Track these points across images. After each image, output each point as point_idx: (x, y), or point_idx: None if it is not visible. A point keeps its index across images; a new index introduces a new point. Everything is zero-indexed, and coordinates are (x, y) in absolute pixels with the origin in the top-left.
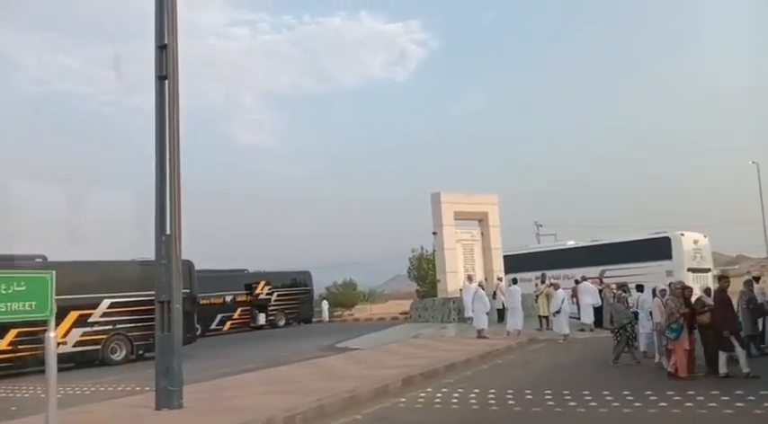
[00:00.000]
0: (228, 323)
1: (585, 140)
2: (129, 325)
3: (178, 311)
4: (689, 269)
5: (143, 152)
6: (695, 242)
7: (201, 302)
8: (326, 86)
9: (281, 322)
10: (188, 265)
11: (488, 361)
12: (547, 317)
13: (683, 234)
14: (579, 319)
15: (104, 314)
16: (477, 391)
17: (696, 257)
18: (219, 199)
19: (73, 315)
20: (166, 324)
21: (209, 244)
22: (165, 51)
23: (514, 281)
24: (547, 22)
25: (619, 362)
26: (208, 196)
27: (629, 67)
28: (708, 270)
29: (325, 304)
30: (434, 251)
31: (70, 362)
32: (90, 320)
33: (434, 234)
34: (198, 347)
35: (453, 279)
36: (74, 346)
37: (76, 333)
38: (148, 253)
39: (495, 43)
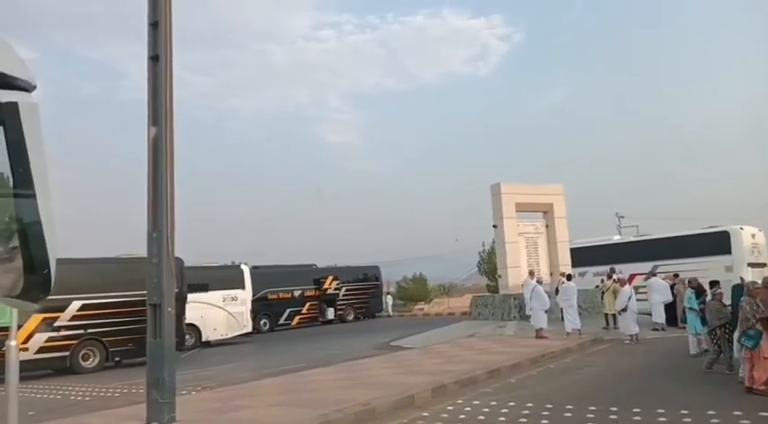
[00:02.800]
0: (297, 318)
1: (675, 133)
2: (104, 329)
3: (171, 315)
4: (748, 264)
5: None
6: (753, 236)
7: (270, 297)
8: (409, 84)
9: (350, 317)
10: (179, 264)
11: (539, 365)
12: (614, 315)
13: (741, 228)
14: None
15: (74, 317)
16: (512, 404)
17: (754, 251)
18: (308, 198)
19: (36, 319)
20: (159, 330)
21: (292, 241)
22: (156, 29)
23: (568, 277)
24: (632, 16)
25: (733, 372)
26: (298, 194)
27: (721, 61)
28: (764, 265)
29: (389, 299)
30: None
31: (33, 370)
32: (57, 324)
33: (495, 226)
34: (259, 343)
35: (515, 275)
36: (36, 352)
37: (40, 339)
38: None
39: (580, 36)
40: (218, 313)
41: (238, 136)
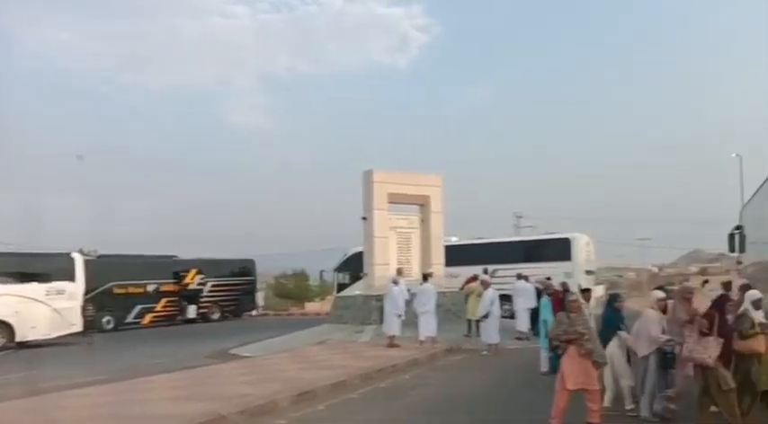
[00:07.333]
0: (149, 316)
1: (589, 130)
2: None
3: None
4: (585, 271)
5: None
6: (587, 244)
7: (116, 291)
8: (325, 69)
9: (216, 316)
10: None
11: (370, 384)
12: (478, 321)
13: (578, 236)
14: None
15: None
16: None
17: (589, 259)
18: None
19: None
20: None
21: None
22: None
23: (425, 278)
24: (557, 11)
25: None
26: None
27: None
28: (593, 273)
29: (258, 297)
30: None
31: None
32: None
33: (364, 219)
34: (88, 345)
35: (382, 273)
36: None
37: None
38: None
39: (501, 30)
40: (39, 308)
41: (142, 112)
